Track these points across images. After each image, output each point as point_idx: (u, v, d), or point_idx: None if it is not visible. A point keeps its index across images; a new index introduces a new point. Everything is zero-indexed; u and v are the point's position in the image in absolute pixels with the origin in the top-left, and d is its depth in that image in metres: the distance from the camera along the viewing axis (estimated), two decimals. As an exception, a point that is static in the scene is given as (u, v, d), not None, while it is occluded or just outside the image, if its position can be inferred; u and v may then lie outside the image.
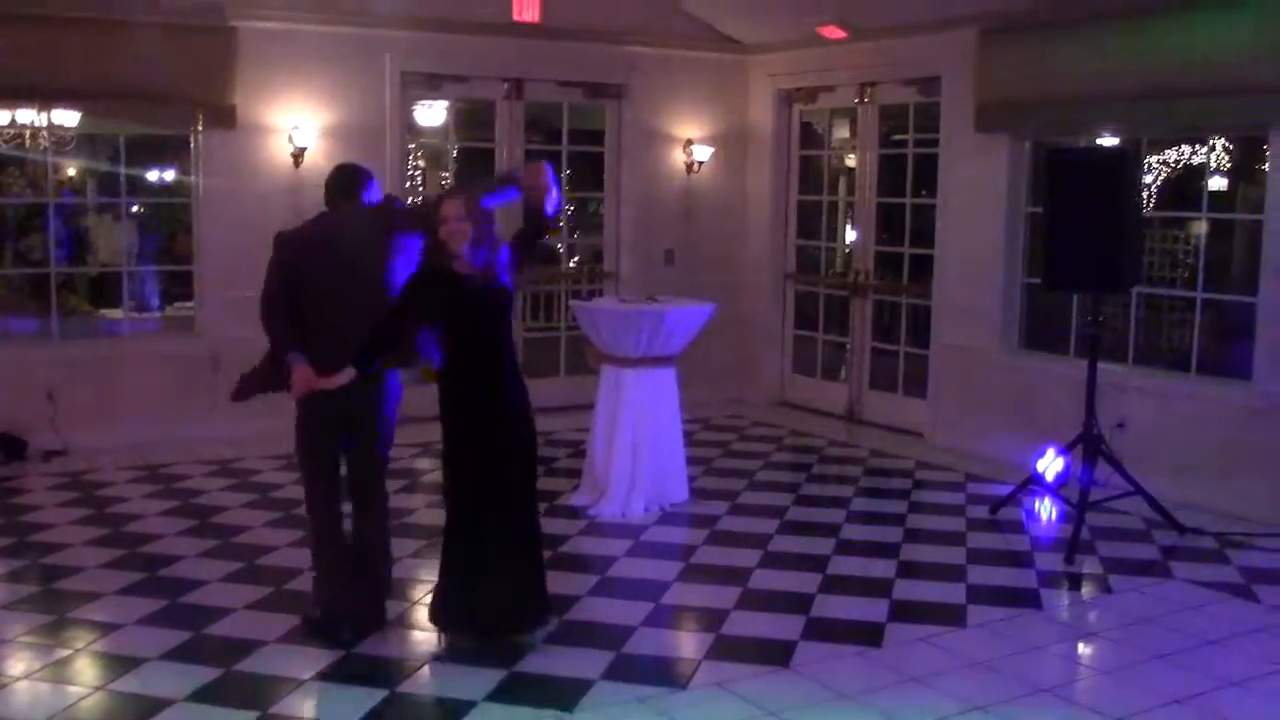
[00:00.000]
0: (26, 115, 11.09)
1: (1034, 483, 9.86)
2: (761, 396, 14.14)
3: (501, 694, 6.26)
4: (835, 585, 7.92)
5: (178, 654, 6.68)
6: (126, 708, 6.10)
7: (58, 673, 6.50)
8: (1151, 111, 10.09)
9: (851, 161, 13.72)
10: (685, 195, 13.93)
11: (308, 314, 6.77)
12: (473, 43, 12.67)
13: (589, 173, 14.16)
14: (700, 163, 13.85)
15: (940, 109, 12.00)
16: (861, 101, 13.03)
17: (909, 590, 7.85)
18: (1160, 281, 12.92)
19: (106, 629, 7.05)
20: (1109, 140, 10.54)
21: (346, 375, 6.53)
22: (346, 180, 7.07)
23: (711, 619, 7.32)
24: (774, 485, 10.58)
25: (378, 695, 6.23)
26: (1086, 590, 8.17)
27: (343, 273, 6.74)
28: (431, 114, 13.85)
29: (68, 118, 11.18)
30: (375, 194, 7.08)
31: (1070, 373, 10.49)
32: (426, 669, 6.59)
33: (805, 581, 7.96)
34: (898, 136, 13.07)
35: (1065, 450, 9.65)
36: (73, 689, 6.30)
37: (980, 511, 9.67)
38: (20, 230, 13.64)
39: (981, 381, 11.58)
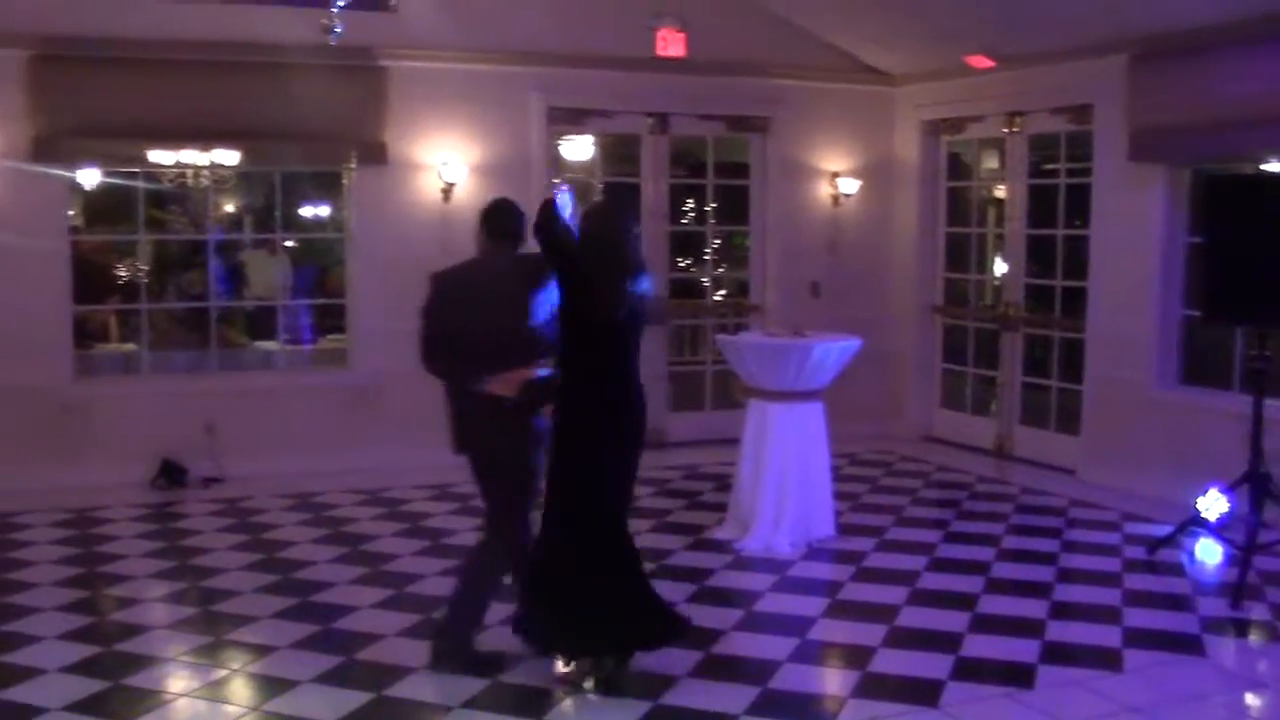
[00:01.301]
0: (189, 155, 11.38)
1: (1195, 523, 9.47)
2: (909, 431, 14.02)
3: (647, 727, 6.27)
4: (985, 624, 7.78)
5: (329, 678, 6.79)
6: (279, 730, 6.24)
7: (215, 692, 6.64)
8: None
9: (1000, 192, 13.57)
10: (831, 228, 13.88)
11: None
12: (617, 78, 12.78)
13: (734, 205, 14.16)
14: (846, 195, 13.80)
15: (1092, 137, 11.82)
16: (1010, 131, 12.89)
17: (1062, 631, 7.67)
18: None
19: (261, 651, 7.19)
20: (1275, 165, 10.19)
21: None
22: (510, 222, 7.01)
23: (858, 656, 7.24)
24: (922, 522, 10.45)
25: (524, 725, 6.27)
26: (1254, 638, 7.84)
27: (485, 318, 6.78)
28: (577, 148, 13.96)
29: (227, 157, 11.45)
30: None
31: (1233, 408, 10.20)
32: (572, 700, 6.60)
33: (954, 620, 7.84)
34: (1048, 166, 12.89)
35: (1229, 490, 9.30)
36: (229, 708, 6.44)
37: (1137, 552, 9.43)
38: (181, 265, 13.97)
39: (1137, 417, 11.33)
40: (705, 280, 14.80)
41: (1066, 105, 12.17)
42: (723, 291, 15.24)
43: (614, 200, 7.00)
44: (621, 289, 6.57)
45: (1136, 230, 11.28)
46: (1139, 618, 7.93)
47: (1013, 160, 13.01)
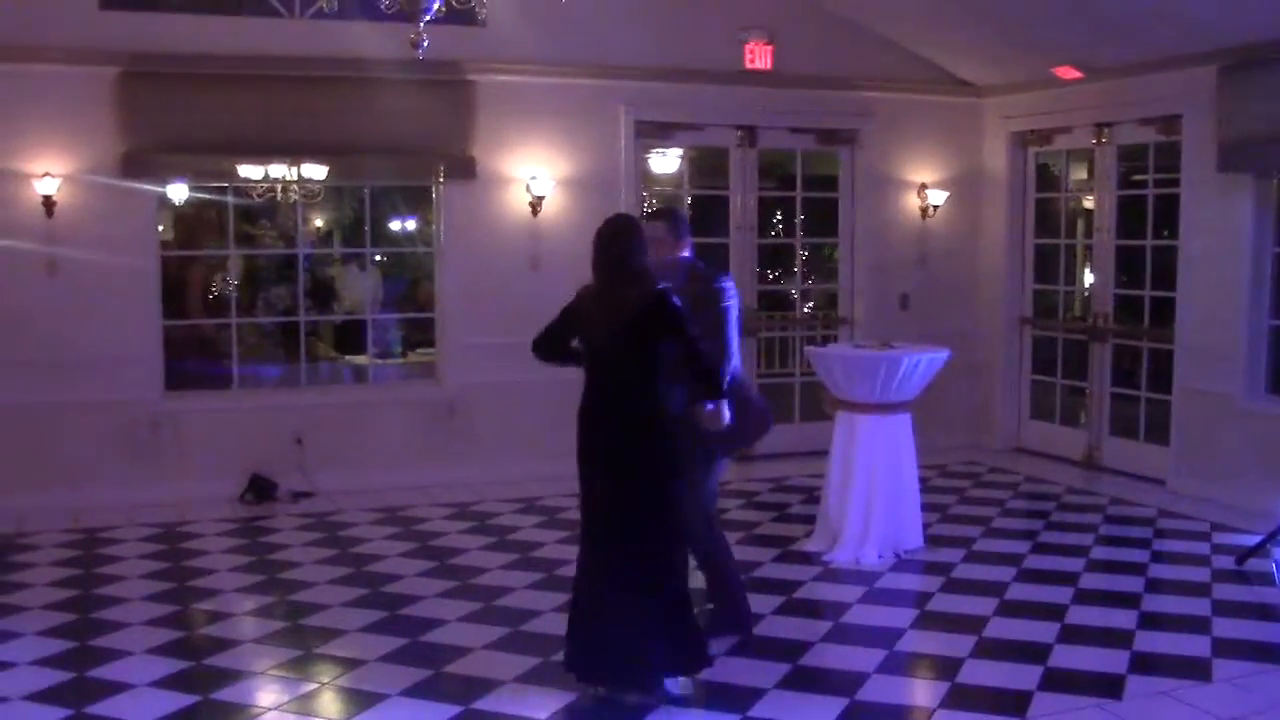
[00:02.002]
0: (278, 170, 11.52)
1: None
2: (998, 442, 13.94)
3: (733, 738, 6.27)
4: (1073, 635, 7.73)
5: (418, 691, 6.84)
6: (369, 742, 6.28)
7: (304, 706, 6.70)
8: None
9: (1089, 203, 13.46)
10: (919, 240, 13.83)
11: None
12: (705, 91, 12.81)
13: (823, 218, 14.15)
14: (935, 207, 13.75)
15: (1181, 148, 11.71)
16: (1099, 142, 12.79)
17: (1150, 642, 7.62)
18: None
19: (350, 665, 7.26)
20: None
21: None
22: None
23: (946, 667, 7.23)
24: (1010, 533, 10.39)
25: (611, 737, 6.30)
26: (1344, 646, 7.79)
27: None
28: (665, 162, 13.99)
29: (316, 171, 11.57)
30: None
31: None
32: (659, 713, 6.60)
33: (1042, 631, 7.80)
34: (1137, 177, 12.78)
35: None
36: (318, 723, 6.52)
37: (1226, 562, 9.34)
38: (271, 280, 14.12)
39: (1227, 427, 11.22)
40: (794, 293, 14.78)
41: (1155, 116, 12.06)
42: (811, 304, 15.22)
43: (629, 219, 6.93)
44: (609, 327, 6.60)
45: (1225, 241, 11.19)
46: (1228, 627, 7.86)
47: (1101, 171, 12.92)
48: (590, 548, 6.77)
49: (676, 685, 6.70)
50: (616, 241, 6.72)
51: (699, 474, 7.18)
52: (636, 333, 6.53)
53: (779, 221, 15.48)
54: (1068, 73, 12.48)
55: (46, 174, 10.84)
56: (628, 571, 6.59)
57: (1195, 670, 7.14)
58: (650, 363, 6.60)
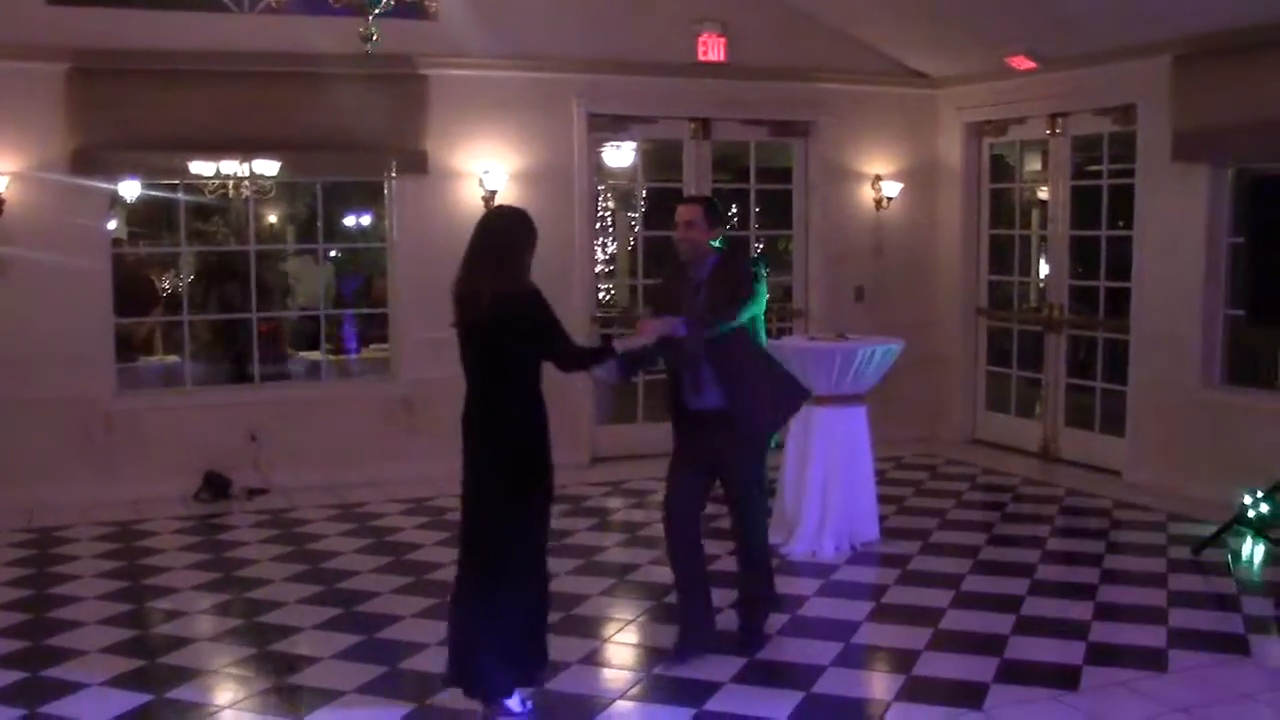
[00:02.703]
0: (229, 166, 11.44)
1: (1239, 523, 9.45)
2: (954, 434, 13.96)
3: (690, 733, 6.24)
4: (1029, 627, 7.74)
5: (372, 688, 6.81)
6: (324, 741, 6.24)
7: (259, 703, 6.66)
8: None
9: (1043, 194, 13.49)
10: (874, 231, 13.84)
11: None
12: (659, 84, 12.78)
13: (777, 210, 14.13)
14: (889, 198, 13.76)
15: (1135, 138, 11.74)
16: (1053, 133, 12.81)
17: (1107, 633, 7.63)
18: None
19: (305, 662, 7.22)
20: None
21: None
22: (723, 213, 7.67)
23: (902, 660, 7.22)
24: (967, 524, 10.40)
25: (566, 732, 6.26)
26: (1298, 636, 7.82)
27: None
28: (619, 155, 13.96)
29: (268, 167, 11.50)
30: None
31: (1278, 407, 10.14)
32: (614, 706, 6.60)
33: (998, 623, 7.81)
34: (1091, 167, 12.82)
35: (1275, 489, 9.26)
36: (273, 720, 6.48)
37: (1182, 552, 9.36)
38: (223, 277, 14.00)
39: (1182, 418, 11.25)
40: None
41: (1109, 106, 12.08)
42: (766, 296, 15.19)
43: (512, 212, 6.73)
44: (478, 291, 6.20)
45: (1180, 231, 11.22)
46: (1184, 618, 7.89)
47: (1055, 162, 12.94)
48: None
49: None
50: (493, 233, 6.36)
51: (761, 469, 7.51)
52: (502, 333, 6.22)
53: (733, 214, 15.45)
54: (1022, 63, 12.49)
55: (-6, 172, 10.76)
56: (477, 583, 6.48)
57: (1151, 661, 7.16)
58: (516, 366, 6.32)
